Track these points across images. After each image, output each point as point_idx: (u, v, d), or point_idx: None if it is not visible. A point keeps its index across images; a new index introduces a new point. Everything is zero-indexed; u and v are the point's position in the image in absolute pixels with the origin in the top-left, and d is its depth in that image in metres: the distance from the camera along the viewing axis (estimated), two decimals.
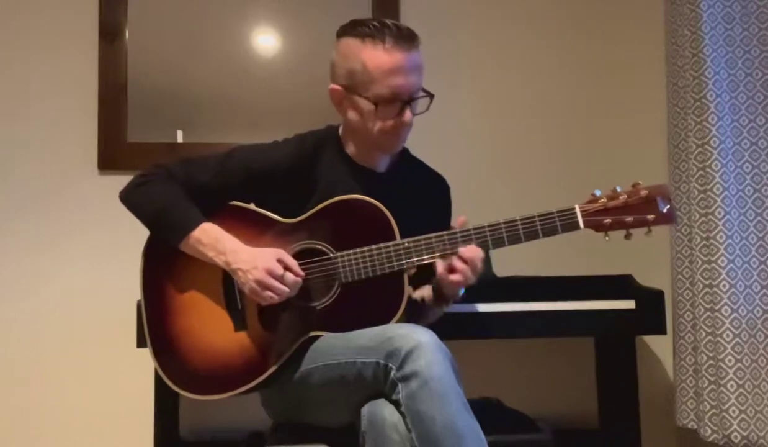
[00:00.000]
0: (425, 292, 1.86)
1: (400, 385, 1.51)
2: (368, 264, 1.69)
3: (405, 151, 1.92)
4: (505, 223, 1.67)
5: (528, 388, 2.53)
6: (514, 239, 1.67)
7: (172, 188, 1.77)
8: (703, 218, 2.24)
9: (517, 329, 2.19)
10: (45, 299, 2.49)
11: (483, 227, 1.67)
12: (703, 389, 2.22)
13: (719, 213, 2.21)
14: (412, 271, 1.70)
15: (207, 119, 2.58)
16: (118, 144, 2.53)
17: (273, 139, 1.87)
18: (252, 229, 1.76)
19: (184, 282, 1.78)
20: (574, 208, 1.65)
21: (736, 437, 2.15)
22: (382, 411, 1.54)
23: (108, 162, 2.53)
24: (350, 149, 1.85)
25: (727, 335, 2.17)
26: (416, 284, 1.88)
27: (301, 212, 1.76)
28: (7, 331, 2.48)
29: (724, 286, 2.18)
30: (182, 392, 1.75)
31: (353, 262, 1.70)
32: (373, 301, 1.70)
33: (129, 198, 1.80)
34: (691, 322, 2.29)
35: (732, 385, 2.16)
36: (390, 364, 1.53)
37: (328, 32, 1.83)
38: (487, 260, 1.74)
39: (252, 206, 1.81)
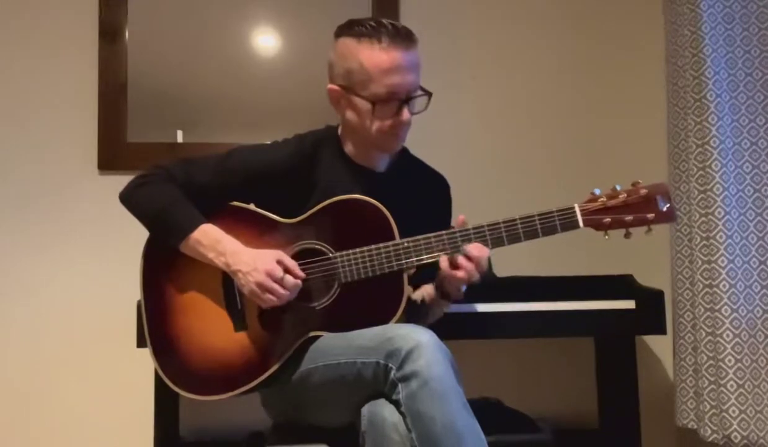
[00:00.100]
0: (426, 290, 1.86)
1: (400, 385, 1.51)
2: (368, 264, 1.69)
3: (404, 151, 1.92)
4: (504, 222, 1.67)
5: (528, 388, 2.53)
6: (514, 239, 1.67)
7: (171, 189, 1.77)
8: (703, 218, 2.24)
9: (517, 329, 2.18)
10: (45, 299, 2.50)
11: (482, 227, 1.67)
12: (703, 389, 2.22)
13: (719, 213, 2.21)
14: (412, 271, 1.70)
15: (207, 119, 2.58)
16: (118, 144, 2.53)
17: (273, 139, 1.87)
18: (251, 229, 1.76)
19: (184, 282, 1.78)
20: (573, 208, 1.65)
21: (736, 437, 2.14)
22: (382, 411, 1.54)
23: (108, 162, 2.53)
24: (349, 149, 1.85)
25: (727, 335, 2.17)
26: (416, 284, 1.89)
27: (300, 212, 1.76)
28: (7, 331, 2.48)
29: (724, 286, 2.18)
30: (182, 392, 1.75)
31: (353, 262, 1.69)
32: (373, 301, 1.70)
33: (129, 199, 1.80)
34: (691, 322, 2.29)
35: (732, 385, 2.16)
36: (390, 364, 1.53)
37: (327, 32, 1.83)
38: (487, 260, 1.73)
39: (251, 206, 1.81)
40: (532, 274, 2.31)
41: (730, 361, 2.16)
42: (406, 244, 1.68)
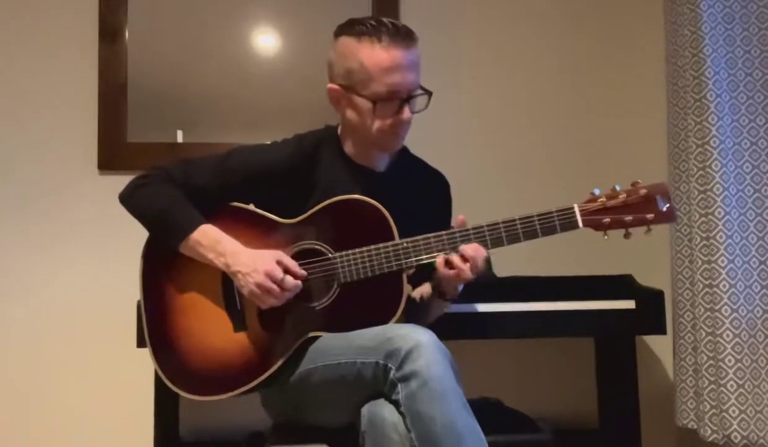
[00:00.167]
0: (424, 289, 1.86)
1: (399, 385, 1.51)
2: (367, 264, 1.69)
3: (404, 150, 1.92)
4: (503, 222, 1.67)
5: (528, 388, 2.53)
6: (513, 239, 1.67)
7: (171, 190, 1.77)
8: (703, 218, 2.24)
9: (517, 329, 2.18)
10: (45, 299, 2.50)
11: (482, 227, 1.67)
12: (703, 389, 2.22)
13: (719, 213, 2.20)
14: (411, 271, 1.70)
15: (207, 119, 2.58)
16: (118, 144, 2.53)
17: (273, 139, 1.87)
18: (251, 229, 1.76)
19: (184, 283, 1.78)
20: (572, 208, 1.65)
21: (736, 437, 2.14)
22: (382, 411, 1.54)
23: (108, 162, 2.53)
24: (349, 149, 1.85)
25: (727, 335, 2.17)
26: (416, 283, 1.89)
27: (300, 212, 1.76)
28: (7, 331, 2.48)
29: (724, 286, 2.18)
30: (182, 393, 1.75)
31: (352, 262, 1.69)
32: (373, 301, 1.70)
33: (128, 200, 1.80)
34: (691, 322, 2.29)
35: (732, 385, 2.16)
36: (389, 364, 1.53)
37: (327, 32, 1.82)
38: (487, 260, 1.73)
39: (251, 207, 1.81)
40: (532, 274, 2.31)
41: (730, 361, 2.16)
42: (405, 245, 1.68)
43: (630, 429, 2.29)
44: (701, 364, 2.23)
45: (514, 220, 1.66)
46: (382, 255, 1.68)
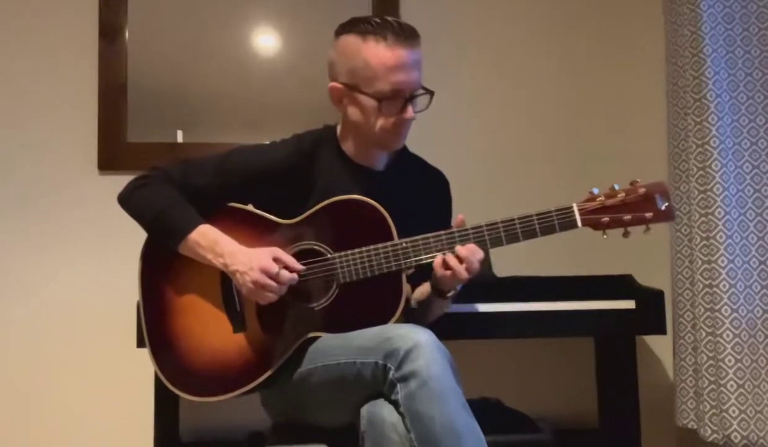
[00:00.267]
0: (423, 288, 1.86)
1: (399, 385, 1.51)
2: (366, 264, 1.69)
3: (403, 149, 1.91)
4: (503, 222, 1.66)
5: (528, 388, 2.53)
6: (512, 238, 1.67)
7: (169, 190, 1.76)
8: (703, 218, 2.24)
9: (517, 329, 2.18)
10: (45, 299, 2.50)
11: (481, 227, 1.67)
12: (703, 389, 2.22)
13: (719, 213, 2.20)
14: (410, 271, 1.70)
15: (207, 119, 2.59)
16: (117, 144, 2.53)
17: (273, 139, 1.87)
18: (250, 230, 1.76)
19: (183, 283, 1.78)
20: (571, 207, 1.65)
21: (736, 437, 2.14)
22: (382, 411, 1.54)
23: (108, 162, 2.53)
24: (348, 148, 1.85)
25: (727, 335, 2.17)
26: (416, 283, 1.89)
27: (299, 212, 1.76)
28: (7, 331, 2.48)
29: (724, 286, 2.18)
30: (181, 394, 1.75)
31: (351, 262, 1.69)
32: (372, 301, 1.70)
33: (127, 201, 1.80)
34: (691, 322, 2.29)
35: (732, 385, 2.16)
36: (389, 365, 1.52)
37: (327, 32, 1.82)
38: (486, 260, 1.73)
39: (250, 207, 1.81)
40: (532, 274, 2.31)
41: (730, 361, 2.16)
42: (404, 245, 1.68)
43: (630, 429, 2.29)
44: (701, 364, 2.23)
45: (513, 220, 1.66)
46: (382, 255, 1.68)
